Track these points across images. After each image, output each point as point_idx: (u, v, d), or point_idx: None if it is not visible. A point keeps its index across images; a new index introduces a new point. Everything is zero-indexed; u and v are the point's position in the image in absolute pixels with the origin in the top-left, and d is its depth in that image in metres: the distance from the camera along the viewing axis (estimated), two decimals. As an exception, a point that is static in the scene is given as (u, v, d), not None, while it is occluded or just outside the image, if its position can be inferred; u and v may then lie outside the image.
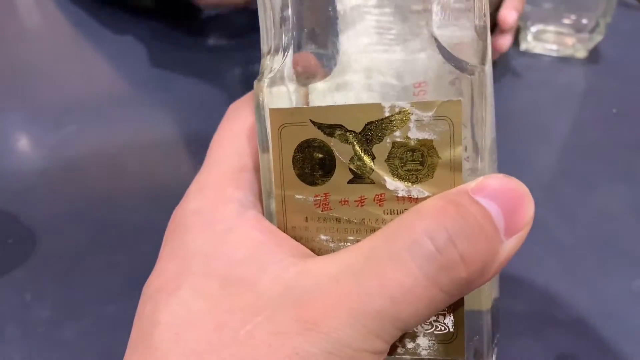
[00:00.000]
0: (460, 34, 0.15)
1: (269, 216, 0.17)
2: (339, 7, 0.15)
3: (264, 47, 0.17)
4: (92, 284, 0.31)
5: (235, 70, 0.51)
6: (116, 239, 0.34)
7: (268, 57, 0.17)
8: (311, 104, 0.16)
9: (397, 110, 0.15)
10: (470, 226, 0.13)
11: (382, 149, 0.15)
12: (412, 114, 0.15)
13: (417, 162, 0.15)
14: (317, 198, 0.16)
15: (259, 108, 0.17)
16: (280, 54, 0.16)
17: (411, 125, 0.15)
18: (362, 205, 0.16)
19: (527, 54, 0.55)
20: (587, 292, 0.31)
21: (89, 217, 0.36)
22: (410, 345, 0.16)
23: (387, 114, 0.15)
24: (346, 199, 0.16)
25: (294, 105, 0.16)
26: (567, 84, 0.51)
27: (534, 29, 0.54)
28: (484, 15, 0.16)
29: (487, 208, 0.14)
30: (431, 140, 0.15)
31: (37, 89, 0.49)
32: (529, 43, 0.55)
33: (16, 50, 0.55)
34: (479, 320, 0.16)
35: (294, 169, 0.16)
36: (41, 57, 0.54)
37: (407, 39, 0.15)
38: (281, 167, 0.16)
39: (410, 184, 0.15)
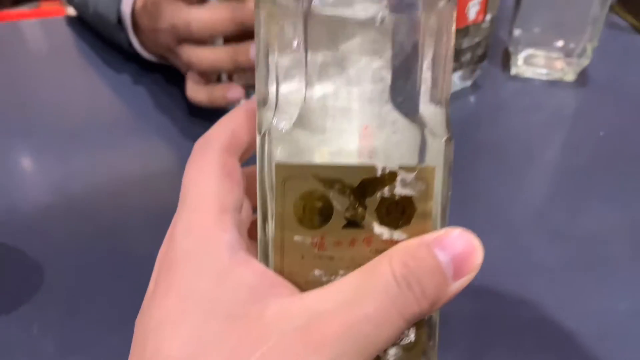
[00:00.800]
0: (426, 101, 0.19)
1: (264, 250, 0.20)
2: (309, 57, 0.18)
3: (262, 98, 0.20)
4: (98, 316, 0.33)
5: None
6: (122, 272, 0.35)
7: (269, 110, 0.19)
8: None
9: (387, 171, 0.18)
10: (423, 276, 0.18)
11: (373, 201, 0.19)
12: (399, 175, 0.18)
13: (399, 212, 0.19)
14: (315, 240, 0.19)
15: (262, 161, 0.19)
16: (287, 113, 0.19)
17: (397, 184, 0.18)
18: (353, 246, 0.19)
19: (517, 78, 0.57)
20: (575, 313, 0.33)
21: (95, 250, 0.37)
22: (381, 354, 0.20)
23: (379, 174, 0.18)
24: (340, 241, 0.19)
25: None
26: (557, 107, 0.53)
27: (524, 53, 0.56)
28: (448, 88, 0.19)
29: (439, 259, 0.18)
30: (411, 196, 0.19)
31: (43, 121, 0.50)
32: (520, 67, 0.57)
33: (21, 82, 0.57)
34: (432, 330, 0.21)
35: (294, 215, 0.19)
36: (47, 89, 0.56)
37: (364, 96, 0.19)
38: (282, 212, 0.19)
39: (392, 229, 0.19)
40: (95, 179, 0.43)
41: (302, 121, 0.19)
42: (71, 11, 0.69)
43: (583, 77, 0.56)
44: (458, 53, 0.49)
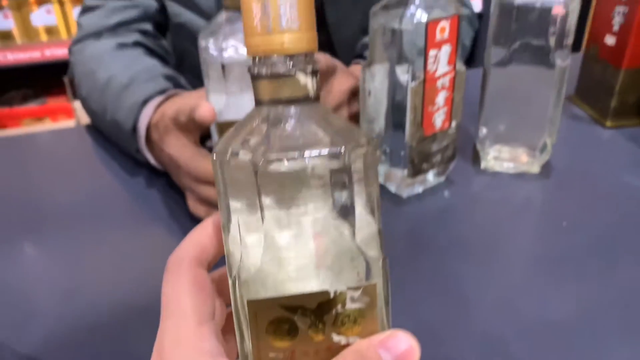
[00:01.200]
0: (363, 229, 0.24)
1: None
2: (265, 201, 0.23)
3: (225, 224, 0.24)
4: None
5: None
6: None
7: (235, 247, 0.24)
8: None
9: (338, 292, 0.24)
10: None
11: (330, 317, 0.24)
12: (348, 294, 0.24)
13: (352, 322, 0.24)
14: (286, 354, 0.24)
15: (235, 298, 0.24)
16: (250, 255, 0.23)
17: (347, 300, 0.24)
18: (318, 354, 0.24)
19: (486, 172, 0.62)
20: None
21: (106, 356, 0.40)
22: None
23: (332, 296, 0.23)
24: (307, 351, 0.24)
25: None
26: (524, 198, 0.58)
27: (491, 149, 0.62)
28: (379, 216, 0.24)
29: (383, 359, 0.23)
30: (359, 308, 0.24)
31: (53, 228, 0.55)
32: (488, 162, 0.62)
33: (34, 191, 0.62)
34: None
35: (267, 337, 0.24)
36: (58, 197, 0.61)
37: (314, 224, 0.23)
38: (257, 336, 0.24)
39: (347, 336, 0.24)
40: (105, 289, 0.47)
41: (265, 257, 0.23)
42: (78, 106, 0.75)
43: (547, 169, 0.62)
44: (428, 155, 0.55)
